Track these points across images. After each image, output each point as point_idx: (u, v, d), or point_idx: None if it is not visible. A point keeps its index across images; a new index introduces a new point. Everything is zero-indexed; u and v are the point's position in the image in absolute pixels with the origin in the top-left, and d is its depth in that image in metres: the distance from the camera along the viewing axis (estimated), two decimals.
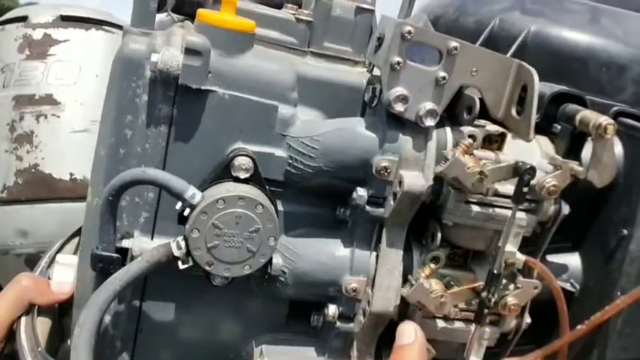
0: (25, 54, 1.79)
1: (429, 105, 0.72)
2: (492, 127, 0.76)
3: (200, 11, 0.76)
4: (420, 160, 0.73)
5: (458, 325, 0.79)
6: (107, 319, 0.77)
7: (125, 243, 0.74)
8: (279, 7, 0.89)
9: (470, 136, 0.73)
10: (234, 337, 0.82)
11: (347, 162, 0.74)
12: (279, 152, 0.76)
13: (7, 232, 1.66)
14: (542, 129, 0.79)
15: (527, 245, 0.78)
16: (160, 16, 0.84)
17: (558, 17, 0.87)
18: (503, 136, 0.76)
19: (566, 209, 0.78)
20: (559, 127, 0.78)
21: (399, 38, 0.70)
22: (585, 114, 0.74)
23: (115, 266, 0.72)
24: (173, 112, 0.73)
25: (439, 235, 0.75)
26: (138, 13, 0.76)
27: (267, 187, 0.74)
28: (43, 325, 0.84)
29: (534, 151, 0.78)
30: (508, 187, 0.75)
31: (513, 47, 0.84)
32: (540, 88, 0.77)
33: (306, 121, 0.77)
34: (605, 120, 0.72)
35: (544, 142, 0.79)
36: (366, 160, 0.73)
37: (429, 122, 0.72)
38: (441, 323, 0.78)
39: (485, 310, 0.75)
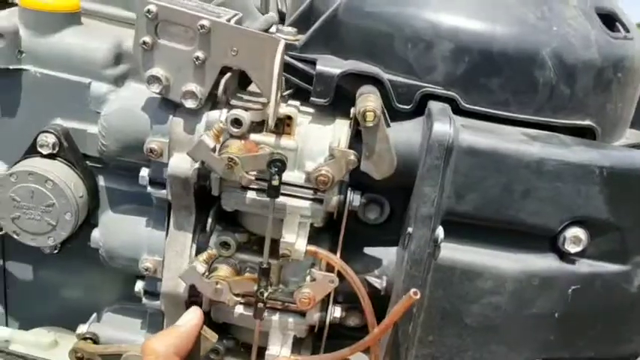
0: None
1: (189, 86, 0.68)
2: (285, 110, 0.70)
3: None
4: (191, 143, 0.70)
5: None
6: None
7: None
8: None
9: (235, 120, 0.68)
10: (85, 299, 0.88)
11: (127, 142, 0.73)
12: (92, 129, 0.77)
13: None
14: (344, 112, 0.71)
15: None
16: None
17: None
18: (290, 119, 0.69)
19: (356, 200, 0.69)
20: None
21: (144, 17, 0.67)
22: (360, 99, 0.65)
23: None
24: None
25: (210, 220, 0.72)
26: None
27: (77, 162, 0.77)
28: None
29: (326, 136, 0.70)
30: (290, 175, 0.69)
31: (321, 19, 0.72)
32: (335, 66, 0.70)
33: (119, 97, 0.77)
34: (364, 107, 0.63)
35: (341, 126, 0.70)
36: (141, 141, 0.72)
37: (190, 104, 0.69)
38: (239, 310, 0.75)
39: (260, 305, 0.71)
